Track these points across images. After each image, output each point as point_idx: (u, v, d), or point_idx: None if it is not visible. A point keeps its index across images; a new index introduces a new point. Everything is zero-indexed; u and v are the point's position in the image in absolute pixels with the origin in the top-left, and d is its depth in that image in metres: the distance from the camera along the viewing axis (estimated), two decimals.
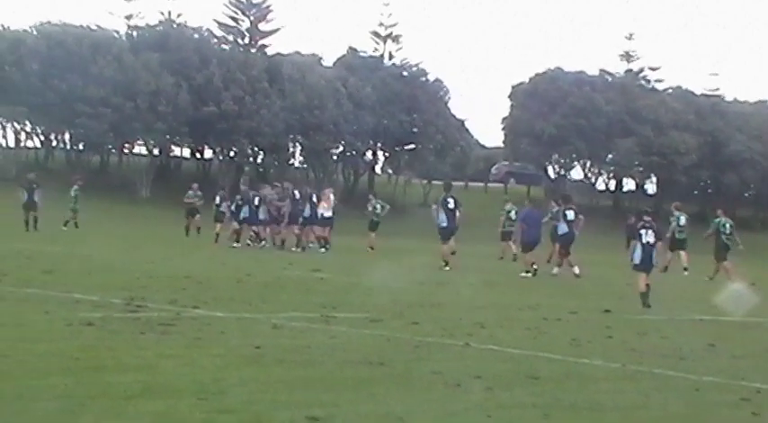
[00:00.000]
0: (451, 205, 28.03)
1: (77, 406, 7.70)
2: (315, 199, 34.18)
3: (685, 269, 33.85)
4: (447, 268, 27.33)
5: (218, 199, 37.42)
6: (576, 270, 27.44)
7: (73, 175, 43.47)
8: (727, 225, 33.00)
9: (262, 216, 33.68)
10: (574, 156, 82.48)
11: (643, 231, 19.93)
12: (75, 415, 7.48)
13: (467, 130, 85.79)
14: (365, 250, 35.53)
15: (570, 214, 28.70)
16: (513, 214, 35.35)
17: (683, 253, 34.70)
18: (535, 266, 27.43)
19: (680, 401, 9.54)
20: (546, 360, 11.47)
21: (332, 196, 35.64)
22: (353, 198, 65.29)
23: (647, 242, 19.76)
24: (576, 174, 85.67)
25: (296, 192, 34.33)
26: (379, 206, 38.57)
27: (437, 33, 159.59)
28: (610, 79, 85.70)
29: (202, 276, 19.78)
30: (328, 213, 34.42)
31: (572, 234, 28.46)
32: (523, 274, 26.98)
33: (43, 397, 7.94)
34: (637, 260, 19.86)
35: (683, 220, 35.61)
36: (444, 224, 28.01)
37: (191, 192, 39.96)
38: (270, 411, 7.92)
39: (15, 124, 70.42)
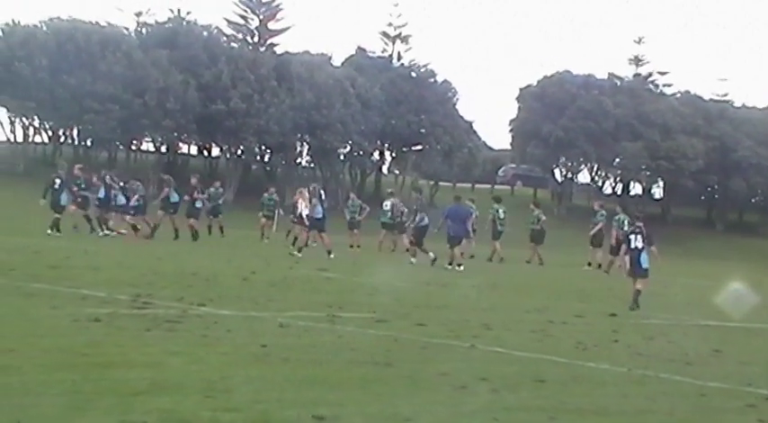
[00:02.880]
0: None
1: (84, 402, 7.70)
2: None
3: (590, 264, 35.56)
4: (459, 268, 28.31)
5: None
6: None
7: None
8: (626, 221, 33.40)
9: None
10: (581, 159, 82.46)
11: (632, 236, 20.08)
12: (82, 411, 7.49)
13: (474, 131, 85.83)
14: (348, 249, 35.51)
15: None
16: (501, 214, 36.44)
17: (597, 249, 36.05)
18: (460, 262, 28.78)
19: (686, 406, 9.52)
20: (552, 363, 11.46)
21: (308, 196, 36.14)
22: (360, 198, 65.10)
23: (636, 247, 19.85)
24: (583, 177, 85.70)
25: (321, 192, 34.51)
26: (357, 205, 38.83)
27: (446, 35, 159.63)
28: (618, 83, 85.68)
29: (209, 274, 19.79)
30: (306, 212, 35.03)
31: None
32: (460, 269, 28.23)
33: (50, 392, 7.94)
34: (626, 266, 20.10)
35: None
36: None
37: (212, 189, 39.91)
38: (276, 410, 7.92)
39: (24, 119, 70.56)
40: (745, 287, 24.97)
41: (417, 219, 31.16)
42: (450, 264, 28.78)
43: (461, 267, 28.47)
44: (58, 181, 31.61)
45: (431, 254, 29.34)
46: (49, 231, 30.11)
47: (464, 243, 30.23)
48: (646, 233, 20.03)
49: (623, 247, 20.54)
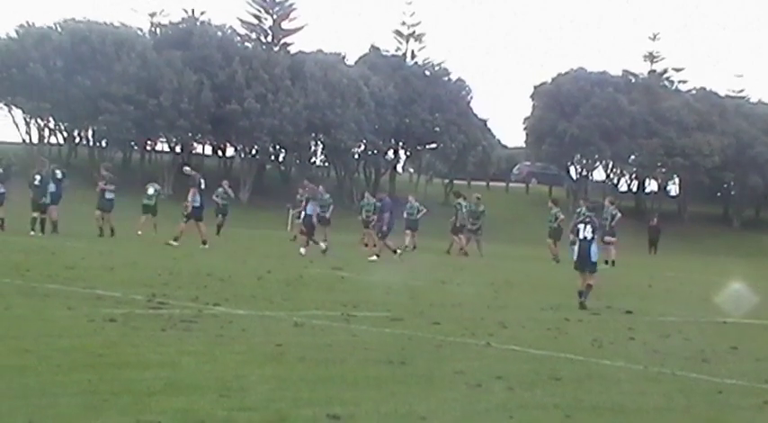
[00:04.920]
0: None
1: (100, 402, 7.72)
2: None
3: (606, 262, 35.26)
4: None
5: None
6: None
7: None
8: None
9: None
10: (596, 156, 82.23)
11: (581, 226, 18.56)
12: (98, 411, 7.50)
13: (489, 129, 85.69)
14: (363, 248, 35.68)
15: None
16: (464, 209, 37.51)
17: (611, 246, 36.25)
18: (399, 251, 30.14)
19: (702, 404, 9.48)
20: (567, 361, 11.44)
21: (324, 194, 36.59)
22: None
23: (585, 238, 18.36)
24: (599, 174, 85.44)
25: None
26: (371, 204, 39.10)
27: (460, 33, 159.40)
28: (633, 80, 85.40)
29: (224, 274, 19.82)
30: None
31: None
32: (373, 258, 28.98)
33: (66, 392, 7.96)
34: (574, 258, 18.76)
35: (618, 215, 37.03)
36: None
37: (220, 189, 40.07)
38: (291, 409, 7.92)
39: (39, 120, 70.79)
40: (746, 286, 24.86)
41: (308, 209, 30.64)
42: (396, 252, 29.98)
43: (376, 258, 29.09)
44: (38, 177, 30.56)
45: (322, 244, 29.65)
46: (31, 232, 29.20)
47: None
48: (596, 224, 18.69)
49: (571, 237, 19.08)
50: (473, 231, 37.44)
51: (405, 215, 38.83)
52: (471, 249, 36.69)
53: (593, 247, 18.29)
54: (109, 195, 32.43)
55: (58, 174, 31.74)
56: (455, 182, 78.79)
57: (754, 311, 19.58)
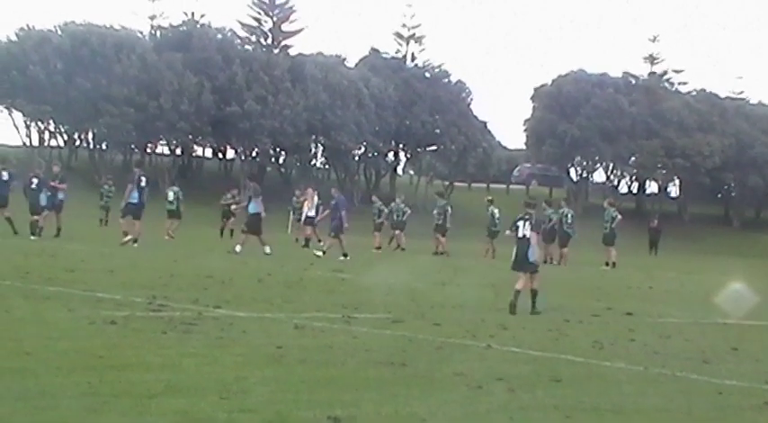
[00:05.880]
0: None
1: (100, 404, 7.72)
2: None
3: (607, 264, 35.85)
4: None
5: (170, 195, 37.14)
6: None
7: (104, 175, 43.09)
8: (569, 215, 36.61)
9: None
10: (596, 158, 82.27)
11: (520, 223, 17.14)
12: (98, 413, 7.50)
13: (489, 131, 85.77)
14: (373, 250, 35.69)
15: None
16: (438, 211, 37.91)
17: (611, 248, 36.58)
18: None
19: (703, 405, 9.48)
20: (568, 362, 11.44)
21: (316, 197, 36.64)
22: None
23: (523, 236, 17.01)
24: (599, 176, 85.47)
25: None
26: (377, 207, 40.16)
27: (460, 35, 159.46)
28: (633, 81, 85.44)
29: (224, 276, 19.81)
30: (311, 213, 35.92)
31: None
32: (319, 254, 29.28)
33: (66, 394, 7.96)
34: (512, 257, 17.27)
35: (618, 217, 37.40)
36: None
37: (228, 194, 40.21)
38: (292, 411, 7.92)
39: (39, 123, 70.82)
40: (746, 287, 24.86)
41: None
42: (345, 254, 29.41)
43: (321, 254, 29.24)
44: (35, 180, 30.13)
45: (266, 248, 28.63)
46: (32, 237, 28.63)
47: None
48: (535, 221, 17.30)
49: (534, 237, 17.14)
50: (493, 235, 37.44)
51: (394, 217, 39.08)
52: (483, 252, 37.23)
53: (532, 247, 16.97)
54: (60, 195, 31.68)
55: (4, 175, 30.53)
56: (455, 184, 78.82)
57: (754, 312, 19.57)
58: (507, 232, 17.91)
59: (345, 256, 29.22)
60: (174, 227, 35.80)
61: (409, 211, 39.96)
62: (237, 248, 28.36)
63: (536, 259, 17.17)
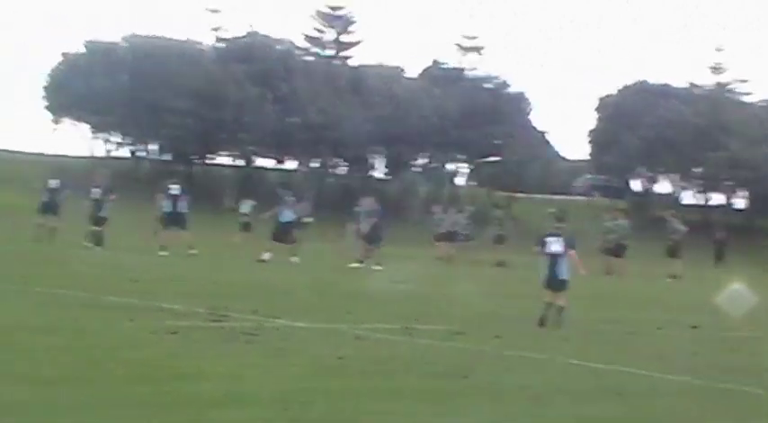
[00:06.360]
0: None
1: (162, 413, 7.76)
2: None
3: (672, 276, 35.36)
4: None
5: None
6: None
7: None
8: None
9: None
10: (660, 169, 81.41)
11: (549, 239, 16.19)
12: (161, 422, 7.54)
13: (548, 142, 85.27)
14: (435, 261, 35.53)
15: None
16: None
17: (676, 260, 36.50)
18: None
19: None
20: (631, 375, 11.29)
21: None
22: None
23: (554, 252, 16.07)
24: (663, 187, 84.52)
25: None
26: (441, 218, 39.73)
27: (521, 46, 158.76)
28: (698, 92, 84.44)
29: (285, 286, 19.88)
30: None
31: None
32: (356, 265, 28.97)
33: (129, 403, 8.01)
34: (541, 274, 16.30)
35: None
36: None
37: (303, 203, 40.10)
38: (353, 422, 7.90)
39: (104, 134, 71.72)
40: (746, 288, 24.40)
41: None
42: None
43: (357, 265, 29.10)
44: (97, 191, 30.02)
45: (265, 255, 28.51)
46: (87, 244, 28.68)
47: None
48: (568, 236, 16.27)
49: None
50: None
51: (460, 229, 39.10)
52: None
53: (562, 263, 16.01)
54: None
55: (52, 184, 31.07)
56: (515, 195, 78.44)
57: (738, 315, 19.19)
58: (535, 249, 16.88)
59: (360, 263, 29.27)
60: (245, 238, 35.97)
61: (465, 222, 39.84)
62: (266, 256, 28.35)
63: (567, 277, 16.04)
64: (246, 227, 36.86)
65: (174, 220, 29.64)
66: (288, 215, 29.54)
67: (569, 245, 16.12)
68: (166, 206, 29.79)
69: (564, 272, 15.99)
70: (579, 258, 16.41)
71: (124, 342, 11.19)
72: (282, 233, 29.16)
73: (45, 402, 7.87)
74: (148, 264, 24.38)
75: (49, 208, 30.53)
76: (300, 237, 37.18)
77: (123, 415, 7.67)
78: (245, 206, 37.53)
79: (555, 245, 16.04)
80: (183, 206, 30.01)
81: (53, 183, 30.94)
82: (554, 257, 16.01)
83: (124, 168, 70.83)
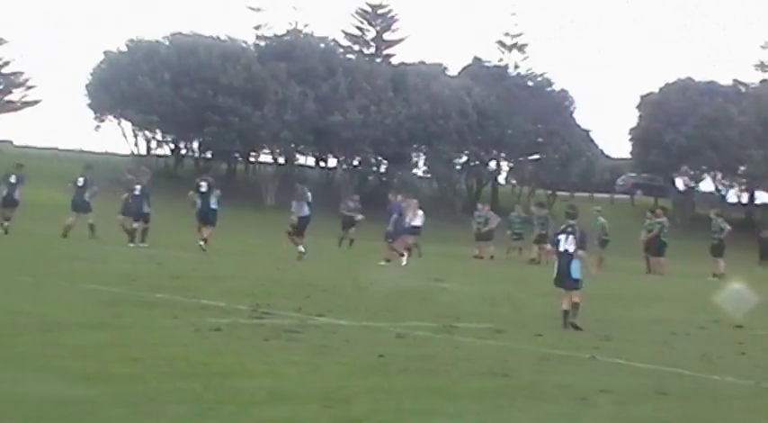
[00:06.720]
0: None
1: (204, 410, 7.80)
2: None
3: (715, 275, 34.99)
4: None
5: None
6: None
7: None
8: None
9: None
10: (704, 167, 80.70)
11: (562, 237, 15.80)
12: (202, 419, 7.58)
13: (592, 140, 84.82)
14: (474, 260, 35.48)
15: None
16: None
17: (719, 259, 36.31)
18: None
19: None
20: (675, 375, 11.20)
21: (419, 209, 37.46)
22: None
23: (565, 251, 15.64)
24: (707, 185, 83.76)
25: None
26: (483, 216, 39.98)
27: (563, 43, 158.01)
28: (743, 89, 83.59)
29: (327, 284, 19.92)
30: (416, 222, 36.29)
31: None
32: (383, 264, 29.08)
33: (172, 400, 8.06)
34: (553, 274, 15.93)
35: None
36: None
37: (351, 203, 39.94)
38: (395, 420, 7.90)
39: (147, 132, 72.22)
40: (746, 287, 24.12)
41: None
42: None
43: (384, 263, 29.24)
44: (138, 187, 30.11)
45: (301, 247, 28.50)
46: (141, 244, 28.72)
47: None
48: (580, 235, 15.79)
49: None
50: (603, 244, 37.02)
51: (514, 228, 39.42)
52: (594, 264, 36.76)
53: (575, 262, 15.59)
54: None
55: (80, 181, 31.29)
56: (558, 193, 78.12)
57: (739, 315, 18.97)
58: (548, 247, 16.71)
59: (387, 261, 29.36)
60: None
61: (518, 221, 40.10)
62: (300, 248, 28.44)
63: (579, 276, 15.62)
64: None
65: (202, 216, 29.77)
66: (305, 210, 29.57)
67: (580, 244, 15.68)
68: (198, 203, 29.93)
69: (576, 271, 15.57)
70: (599, 257, 16.32)
71: (167, 339, 11.26)
72: (301, 227, 29.20)
73: (92, 398, 7.95)
74: (190, 260, 24.52)
75: (76, 205, 30.96)
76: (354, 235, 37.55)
77: (166, 411, 7.73)
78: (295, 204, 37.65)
79: (566, 243, 15.63)
80: (212, 202, 30.06)
81: (80, 180, 31.28)
82: (566, 256, 15.62)
83: (166, 166, 71.50)
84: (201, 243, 28.59)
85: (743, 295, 22.11)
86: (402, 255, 29.65)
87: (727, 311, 19.12)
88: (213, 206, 29.90)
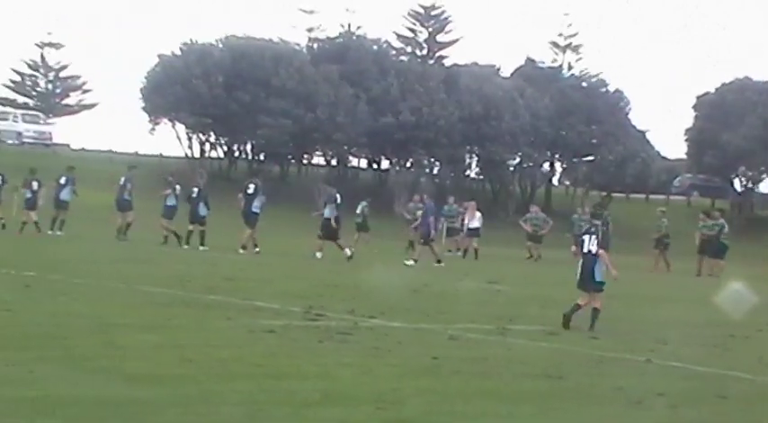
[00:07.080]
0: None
1: (258, 411, 7.82)
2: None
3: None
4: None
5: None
6: None
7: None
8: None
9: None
10: (762, 168, 79.66)
11: (585, 238, 15.45)
12: (257, 420, 7.61)
13: (648, 141, 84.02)
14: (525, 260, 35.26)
15: None
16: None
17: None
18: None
19: None
20: (734, 379, 11.05)
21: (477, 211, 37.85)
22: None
23: (590, 252, 15.22)
24: (765, 187, 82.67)
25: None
26: (541, 218, 39.79)
27: (618, 43, 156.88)
28: None
29: (380, 286, 19.90)
30: (473, 224, 37.03)
31: None
32: (410, 263, 28.79)
33: (227, 401, 8.10)
34: (576, 275, 15.55)
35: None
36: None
37: (411, 204, 39.91)
38: (447, 422, 7.86)
39: (201, 135, 72.73)
40: (746, 287, 23.63)
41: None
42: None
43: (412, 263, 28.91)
44: (195, 190, 30.40)
45: (347, 250, 28.70)
46: (200, 246, 28.99)
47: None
48: (602, 235, 15.46)
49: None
50: (666, 247, 36.71)
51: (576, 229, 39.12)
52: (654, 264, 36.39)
53: (599, 264, 15.17)
54: (170, 202, 31.00)
55: (121, 180, 31.75)
56: (613, 194, 77.54)
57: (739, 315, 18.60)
58: (573, 249, 16.40)
59: (439, 262, 29.09)
60: (363, 240, 36.11)
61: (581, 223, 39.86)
62: (318, 255, 28.46)
63: (602, 279, 15.22)
64: (361, 227, 37.08)
65: (243, 216, 29.83)
66: (328, 212, 29.56)
67: (603, 244, 15.33)
68: (242, 204, 30.04)
69: (599, 273, 15.17)
70: (658, 259, 16.08)
71: (221, 340, 11.32)
72: (328, 229, 29.19)
73: (146, 399, 8.01)
74: (245, 263, 24.63)
75: (118, 204, 31.35)
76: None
77: (220, 412, 7.76)
78: (359, 207, 37.75)
79: (590, 243, 15.24)
80: (255, 205, 30.02)
81: (122, 179, 31.65)
82: (589, 257, 15.21)
83: (219, 168, 71.94)
84: (256, 249, 28.65)
85: (742, 296, 21.76)
86: (415, 260, 29.44)
87: (727, 311, 18.83)
88: (255, 210, 29.87)
